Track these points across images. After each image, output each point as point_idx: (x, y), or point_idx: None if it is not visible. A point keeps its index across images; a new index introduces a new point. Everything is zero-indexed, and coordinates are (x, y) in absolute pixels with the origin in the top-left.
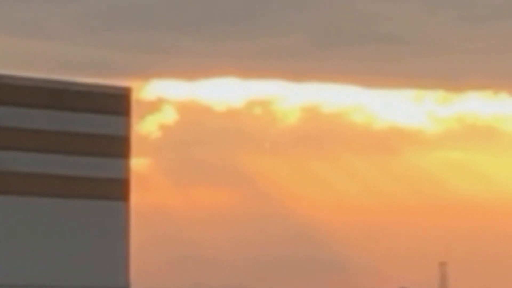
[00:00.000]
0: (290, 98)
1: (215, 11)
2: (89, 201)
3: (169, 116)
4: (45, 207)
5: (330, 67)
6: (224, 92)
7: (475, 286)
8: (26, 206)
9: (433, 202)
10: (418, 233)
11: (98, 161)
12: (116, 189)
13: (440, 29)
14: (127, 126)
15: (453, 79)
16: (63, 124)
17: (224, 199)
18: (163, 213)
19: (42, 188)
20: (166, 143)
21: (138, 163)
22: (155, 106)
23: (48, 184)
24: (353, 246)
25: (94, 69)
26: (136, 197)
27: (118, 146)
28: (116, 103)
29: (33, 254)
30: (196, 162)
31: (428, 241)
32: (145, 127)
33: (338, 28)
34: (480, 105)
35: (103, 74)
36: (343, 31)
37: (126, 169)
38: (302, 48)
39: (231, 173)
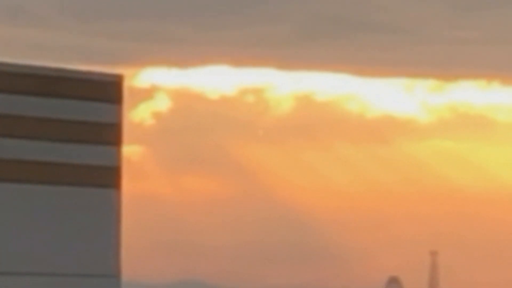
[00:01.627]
0: (282, 86)
1: (208, 0)
2: (80, 188)
3: (162, 103)
4: (34, 194)
5: (322, 56)
6: (217, 80)
7: (466, 275)
8: (16, 193)
9: (425, 191)
10: (409, 222)
11: (89, 148)
12: (108, 177)
13: (432, 18)
14: (118, 113)
15: (445, 68)
16: (54, 111)
17: (216, 186)
18: (156, 200)
19: (32, 175)
20: (159, 131)
21: (131, 151)
22: (148, 93)
23: (39, 171)
24: (344, 234)
25: (87, 57)
26: (128, 185)
27: (110, 134)
28: (108, 90)
29: (22, 241)
30: (188, 149)
31: (419, 230)
32: (138, 115)
33: (330, 17)
34: (473, 94)
35: (97, 62)
36: (336, 20)
37: (118, 156)
38: (294, 36)
39: (224, 160)
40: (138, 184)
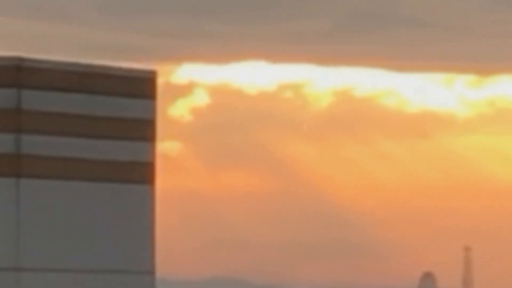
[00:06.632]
0: (320, 82)
1: None
2: (114, 185)
3: (200, 99)
4: (67, 190)
5: (360, 51)
6: (255, 76)
7: (500, 271)
8: (51, 190)
9: (462, 185)
10: (444, 217)
11: (123, 144)
12: (142, 173)
13: (470, 13)
14: (152, 109)
15: (484, 62)
16: (86, 107)
17: (254, 182)
18: (194, 196)
19: (65, 171)
20: (197, 127)
21: (169, 147)
22: (186, 89)
23: (71, 167)
24: (379, 229)
25: (125, 53)
26: (166, 180)
27: (144, 130)
28: (141, 86)
29: (56, 237)
30: (227, 145)
31: (454, 225)
32: (176, 111)
33: (368, 12)
34: (511, 89)
35: (134, 58)
36: (374, 14)
37: (152, 152)
38: (332, 31)
39: (262, 156)
40: (176, 179)
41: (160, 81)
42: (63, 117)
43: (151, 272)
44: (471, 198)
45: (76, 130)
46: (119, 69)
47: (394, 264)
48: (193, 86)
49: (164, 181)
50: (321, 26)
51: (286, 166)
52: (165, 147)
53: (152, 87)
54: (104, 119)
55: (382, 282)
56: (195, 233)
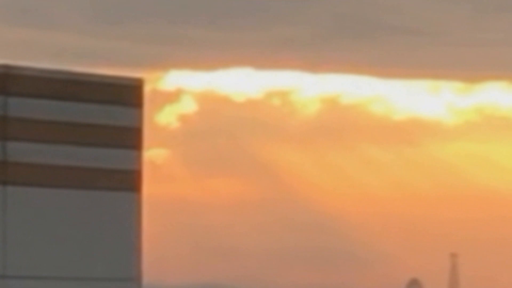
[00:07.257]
0: (307, 89)
1: (231, 1)
2: (101, 192)
3: (187, 106)
4: (55, 197)
5: (347, 58)
6: (242, 83)
7: (486, 278)
8: (37, 197)
9: (449, 192)
10: (430, 223)
11: (110, 152)
12: (128, 180)
13: (457, 20)
14: (139, 117)
15: (471, 70)
16: (74, 115)
17: (243, 189)
18: (181, 203)
19: (52, 179)
20: (184, 134)
21: (156, 154)
22: (173, 96)
23: (57, 175)
24: (366, 236)
25: (111, 60)
26: (154, 188)
27: (130, 137)
28: (128, 94)
29: (43, 245)
30: (215, 152)
31: (440, 232)
32: (163, 118)
33: (355, 19)
34: (499, 96)
35: (121, 65)
36: (361, 21)
37: (138, 160)
38: (319, 38)
39: (250, 163)
40: (164, 186)
41: (147, 88)
42: (50, 124)
43: (138, 279)
44: (458, 205)
45: (63, 138)
46: (106, 76)
47: (380, 270)
48: (180, 93)
49: (151, 189)
50: (308, 32)
51: (273, 173)
52: (152, 154)
53: (139, 95)
54: (91, 127)
55: (368, 287)
56: (182, 240)
